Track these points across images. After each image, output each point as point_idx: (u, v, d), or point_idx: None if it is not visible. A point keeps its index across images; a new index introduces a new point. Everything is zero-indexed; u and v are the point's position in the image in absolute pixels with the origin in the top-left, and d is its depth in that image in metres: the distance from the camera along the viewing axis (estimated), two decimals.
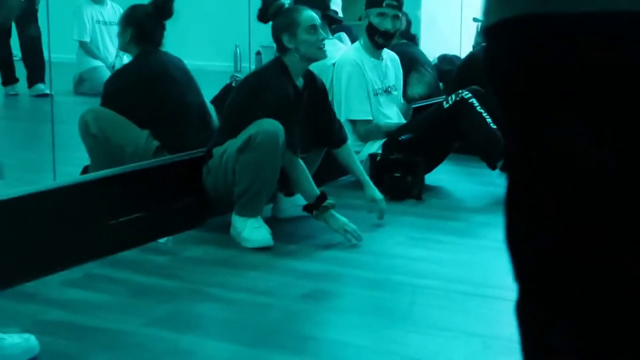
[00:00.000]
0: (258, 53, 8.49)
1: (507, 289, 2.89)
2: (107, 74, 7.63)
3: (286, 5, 4.05)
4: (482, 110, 4.52)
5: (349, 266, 3.54)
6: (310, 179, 3.85)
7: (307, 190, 3.84)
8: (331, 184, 4.79)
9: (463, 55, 6.86)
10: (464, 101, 4.55)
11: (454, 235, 3.99)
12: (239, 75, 6.61)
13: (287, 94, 3.85)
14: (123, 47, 4.30)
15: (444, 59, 6.66)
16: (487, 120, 4.50)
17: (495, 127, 4.50)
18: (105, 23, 7.99)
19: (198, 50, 7.68)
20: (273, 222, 3.98)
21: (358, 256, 3.67)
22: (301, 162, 3.83)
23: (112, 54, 7.97)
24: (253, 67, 8.39)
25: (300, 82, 3.94)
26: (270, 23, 3.98)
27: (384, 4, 4.77)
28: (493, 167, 4.54)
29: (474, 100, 4.54)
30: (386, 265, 3.57)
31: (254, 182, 3.72)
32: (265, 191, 3.79)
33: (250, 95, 3.85)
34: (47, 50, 4.17)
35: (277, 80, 3.86)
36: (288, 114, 3.76)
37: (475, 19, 6.94)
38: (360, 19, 4.97)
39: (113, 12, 8.00)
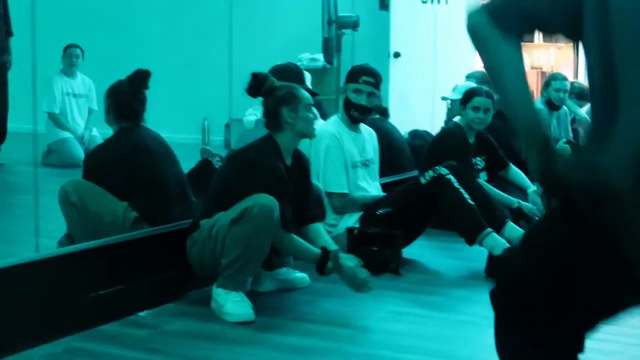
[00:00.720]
0: (227, 125, 8.54)
1: None
2: (75, 145, 7.65)
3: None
4: (459, 187, 4.56)
5: (333, 340, 3.52)
6: (304, 244, 3.88)
7: (307, 257, 3.90)
8: None
9: (433, 131, 6.95)
10: (441, 178, 4.59)
11: (435, 310, 3.99)
12: (209, 149, 6.63)
13: (279, 173, 3.87)
14: (106, 120, 4.33)
15: (415, 134, 6.74)
16: (465, 196, 4.54)
17: (472, 202, 4.54)
18: (74, 95, 8.02)
19: (165, 123, 7.70)
20: (252, 296, 3.94)
21: (342, 330, 3.65)
22: (292, 235, 3.84)
23: (81, 126, 7.97)
24: (222, 139, 8.46)
25: (289, 160, 3.96)
26: (260, 98, 4.02)
27: (360, 80, 4.84)
28: (471, 243, 4.56)
29: (451, 177, 4.58)
30: (370, 340, 3.56)
31: (243, 255, 3.70)
32: (252, 265, 3.78)
33: (242, 172, 3.86)
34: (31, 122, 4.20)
35: (269, 158, 3.88)
36: (280, 192, 3.77)
37: (443, 98, 7.05)
38: (340, 92, 5.04)
39: (83, 84, 8.03)
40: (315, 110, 5.76)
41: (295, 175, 4.01)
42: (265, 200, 3.70)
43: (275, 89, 3.99)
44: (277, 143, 3.94)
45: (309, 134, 4.02)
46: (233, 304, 3.73)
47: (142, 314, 3.76)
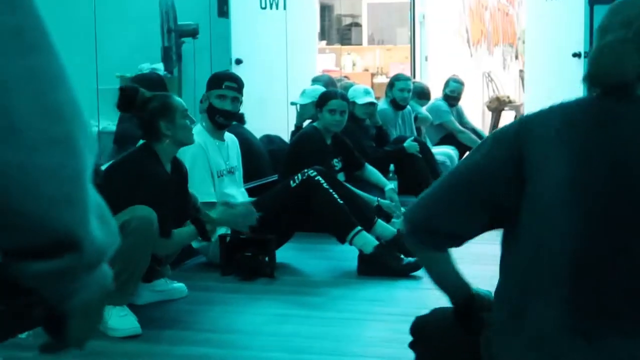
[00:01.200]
0: None
1: (388, 357, 2.98)
2: None
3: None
4: (328, 187, 4.64)
5: (224, 347, 3.52)
6: (180, 232, 3.94)
7: (190, 238, 4.05)
8: (178, 267, 4.73)
9: (285, 136, 7.03)
10: (310, 179, 4.66)
11: (318, 310, 4.05)
12: None
13: (160, 180, 3.83)
14: None
15: (268, 139, 6.80)
16: (335, 196, 4.63)
17: (342, 202, 4.63)
18: None
19: None
20: (132, 310, 3.87)
21: (231, 336, 3.65)
22: (170, 235, 3.84)
23: None
24: None
25: (168, 167, 3.93)
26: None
27: (223, 86, 4.85)
28: (342, 242, 4.65)
29: (319, 178, 4.66)
30: (262, 344, 3.57)
31: (124, 269, 3.63)
32: (134, 278, 3.72)
33: (122, 184, 3.78)
34: None
35: (148, 167, 3.84)
36: (161, 200, 3.73)
37: (292, 103, 7.15)
38: (201, 102, 5.02)
39: None
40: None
41: (175, 181, 3.99)
42: (143, 213, 3.65)
43: (147, 101, 3.94)
44: (156, 151, 3.90)
45: (189, 141, 4.02)
46: (118, 319, 3.66)
47: (22, 335, 3.62)
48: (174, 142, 3.92)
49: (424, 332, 2.17)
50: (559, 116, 1.86)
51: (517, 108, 11.48)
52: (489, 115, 12.00)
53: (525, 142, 1.85)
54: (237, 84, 4.92)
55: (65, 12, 8.09)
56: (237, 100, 4.92)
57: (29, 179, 0.96)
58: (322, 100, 5.70)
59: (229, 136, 5.04)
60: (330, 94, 5.75)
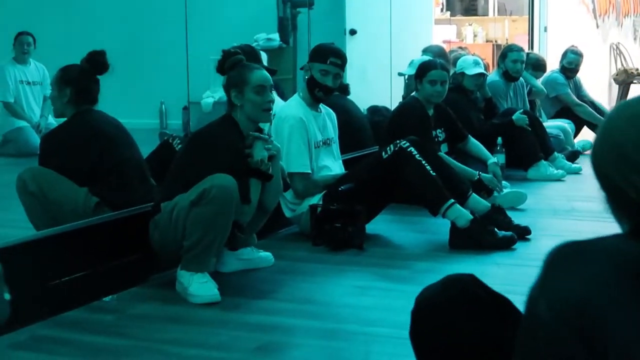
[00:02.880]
0: (185, 108, 8.49)
1: None
2: (32, 134, 7.57)
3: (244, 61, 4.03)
4: (421, 159, 4.56)
5: (299, 317, 3.52)
6: (257, 193, 3.87)
7: (258, 193, 3.89)
8: (270, 236, 4.77)
9: (392, 107, 6.96)
10: (402, 150, 4.59)
11: (400, 283, 4.00)
12: (168, 133, 6.59)
13: (236, 149, 3.83)
14: (60, 109, 4.23)
15: (374, 110, 6.74)
16: (427, 168, 4.55)
17: (434, 174, 4.55)
18: (28, 83, 7.92)
19: (121, 108, 7.65)
20: (217, 277, 3.92)
21: (308, 307, 3.65)
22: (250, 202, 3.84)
23: (37, 114, 7.89)
24: (180, 122, 8.41)
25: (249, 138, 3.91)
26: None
27: (328, 62, 4.80)
28: (435, 214, 4.58)
29: (412, 149, 4.58)
30: (337, 315, 3.56)
31: (204, 236, 3.68)
32: (215, 246, 3.75)
33: (201, 151, 3.83)
34: None
35: (225, 135, 3.86)
36: (238, 168, 3.74)
37: (400, 73, 7.07)
38: (302, 68, 5.00)
39: (37, 71, 7.94)
40: (273, 93, 5.76)
41: None
42: (224, 181, 3.67)
43: (231, 68, 3.95)
44: (237, 120, 3.91)
45: (258, 118, 3.96)
46: (198, 286, 3.71)
47: (106, 299, 3.74)
48: (245, 115, 3.91)
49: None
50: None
51: None
52: (615, 88, 11.59)
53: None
54: (342, 60, 4.86)
55: None
56: (339, 77, 4.88)
57: None
58: (422, 71, 5.62)
59: (324, 108, 5.01)
60: (430, 65, 5.65)
